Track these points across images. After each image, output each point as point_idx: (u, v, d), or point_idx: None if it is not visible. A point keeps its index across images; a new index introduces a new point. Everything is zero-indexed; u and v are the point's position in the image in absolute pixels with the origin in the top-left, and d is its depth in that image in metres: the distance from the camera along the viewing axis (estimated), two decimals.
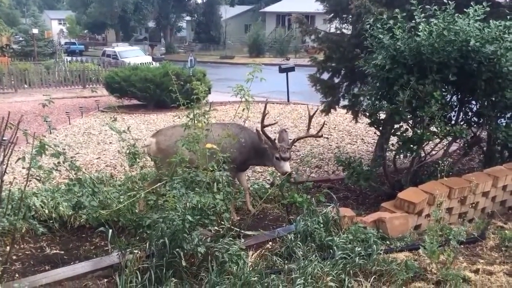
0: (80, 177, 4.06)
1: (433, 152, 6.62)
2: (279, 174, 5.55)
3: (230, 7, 56.83)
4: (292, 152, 5.98)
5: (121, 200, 4.34)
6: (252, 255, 4.03)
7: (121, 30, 57.65)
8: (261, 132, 5.42)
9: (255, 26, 45.03)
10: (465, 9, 5.56)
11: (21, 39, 38.78)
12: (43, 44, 37.06)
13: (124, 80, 16.74)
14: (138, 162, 4.80)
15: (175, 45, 53.25)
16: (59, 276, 3.69)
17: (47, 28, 46.67)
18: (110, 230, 3.72)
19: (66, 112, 14.98)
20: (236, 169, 5.18)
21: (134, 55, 32.28)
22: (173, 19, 55.76)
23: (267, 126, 5.51)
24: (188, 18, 57.56)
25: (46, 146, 3.71)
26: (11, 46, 38.41)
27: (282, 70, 18.31)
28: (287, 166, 5.38)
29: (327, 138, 10.87)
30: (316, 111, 6.24)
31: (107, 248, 4.47)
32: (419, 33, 5.35)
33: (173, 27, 57.07)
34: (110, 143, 11.08)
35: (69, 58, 33.37)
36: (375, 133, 8.78)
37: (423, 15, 5.55)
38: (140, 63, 22.96)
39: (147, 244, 3.71)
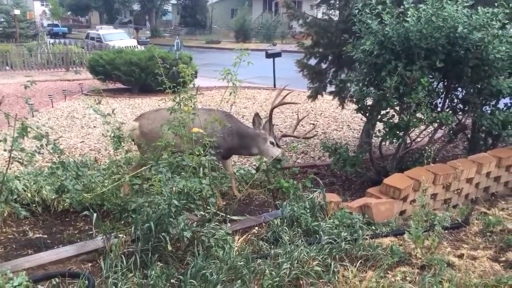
0: (64, 160, 3.99)
1: (418, 139, 6.66)
2: (265, 159, 5.54)
3: None
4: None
5: (106, 184, 4.29)
6: (238, 240, 4.02)
7: (105, 13, 56.79)
8: (259, 115, 5.45)
9: (242, 11, 44.64)
10: None
11: (2, 20, 37.80)
12: (25, 25, 36.21)
13: (109, 63, 16.48)
14: (123, 146, 4.74)
15: (160, 28, 52.55)
16: (42, 260, 3.63)
17: (29, 9, 45.58)
18: (95, 214, 3.66)
19: (49, 95, 14.70)
20: (220, 154, 5.15)
21: (118, 38, 31.85)
22: (159, 2, 54.96)
23: (277, 106, 5.60)
24: (173, 1, 56.78)
25: (29, 129, 3.64)
26: None
27: (268, 55, 18.21)
28: (279, 151, 5.41)
29: (313, 126, 10.87)
30: (304, 117, 6.25)
31: (91, 232, 4.41)
32: (407, 19, 5.33)
33: (159, 11, 56.30)
34: (94, 127, 10.93)
35: (52, 41, 32.71)
36: (361, 119, 8.81)
37: (411, 0, 5.53)
38: (125, 47, 22.64)
39: (132, 228, 3.66)
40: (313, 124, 10.93)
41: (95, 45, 29.63)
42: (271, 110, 5.51)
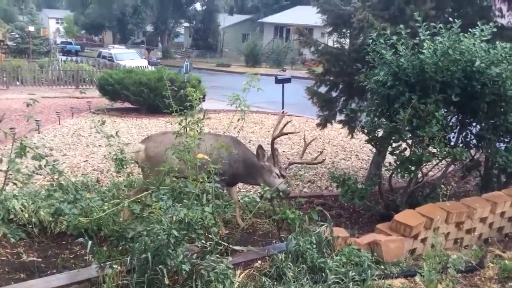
0: (62, 182, 3.84)
1: (430, 173, 6.46)
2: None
3: (229, 16, 56.90)
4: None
5: (105, 208, 4.12)
6: (239, 275, 3.81)
7: (119, 33, 57.54)
8: (262, 147, 5.28)
9: (253, 36, 45.04)
10: (470, 29, 5.44)
11: (17, 36, 38.38)
12: (38, 42, 36.67)
13: (118, 82, 16.45)
14: (126, 168, 4.59)
15: (172, 50, 53.03)
16: None
17: (44, 27, 46.30)
18: (90, 242, 3.48)
19: (57, 112, 14.65)
20: (225, 181, 4.98)
21: (129, 58, 32.08)
22: (171, 24, 55.66)
23: (278, 136, 5.40)
24: (186, 24, 57.51)
25: (28, 148, 3.51)
26: (5, 42, 38.01)
27: (278, 81, 18.15)
28: (282, 182, 5.24)
29: (320, 152, 10.69)
30: (311, 141, 6.10)
31: (87, 257, 4.23)
32: (423, 51, 5.20)
33: (171, 32, 56.96)
34: (99, 146, 10.80)
35: (64, 58, 33.04)
36: (370, 150, 8.62)
37: (427, 32, 5.41)
38: (136, 66, 22.73)
39: (129, 258, 3.47)
40: (320, 152, 10.75)
41: (106, 64, 29.84)
42: (272, 142, 5.35)
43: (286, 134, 5.69)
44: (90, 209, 4.19)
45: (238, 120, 4.36)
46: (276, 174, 5.25)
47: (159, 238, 3.36)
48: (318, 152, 10.54)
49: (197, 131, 4.19)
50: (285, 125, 5.55)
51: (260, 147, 5.34)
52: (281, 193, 5.23)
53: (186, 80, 14.35)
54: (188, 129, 4.20)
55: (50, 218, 4.87)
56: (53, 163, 3.68)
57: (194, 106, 4.30)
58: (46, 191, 3.94)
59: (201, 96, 4.42)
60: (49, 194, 3.76)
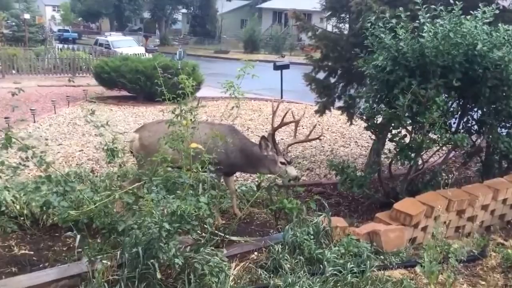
0: (51, 174, 3.72)
1: (430, 160, 6.35)
2: (267, 176, 5.25)
3: (227, 2, 56.30)
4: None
5: (96, 200, 4.01)
6: (235, 267, 3.70)
7: (116, 20, 57.08)
8: (267, 138, 5.13)
9: (251, 22, 44.66)
10: (471, 12, 5.28)
11: (13, 24, 37.95)
12: (34, 30, 36.29)
13: (114, 70, 16.29)
14: (119, 158, 4.46)
15: (169, 37, 52.60)
16: (20, 284, 3.34)
17: (40, 14, 45.85)
18: (78, 236, 3.37)
19: (52, 101, 14.51)
20: (221, 171, 4.85)
21: (127, 45, 31.88)
22: (169, 11, 55.22)
23: (279, 128, 5.26)
24: (184, 10, 57.00)
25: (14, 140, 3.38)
26: (1, 31, 37.62)
27: (276, 67, 18.02)
28: (293, 170, 5.13)
29: (320, 139, 10.57)
30: (300, 118, 5.90)
31: (80, 249, 4.13)
32: (423, 34, 5.05)
33: (169, 19, 56.52)
34: (95, 135, 10.68)
35: (60, 46, 32.74)
36: (369, 136, 8.51)
37: (428, 15, 5.25)
38: (133, 54, 22.53)
39: (118, 253, 3.36)
40: (320, 139, 10.63)
41: (103, 51, 29.60)
42: (273, 134, 5.20)
43: (287, 123, 5.52)
44: (81, 201, 4.08)
45: (232, 108, 4.23)
46: (281, 162, 5.11)
47: (150, 232, 3.24)
48: (317, 139, 10.44)
49: (190, 119, 4.06)
50: (285, 115, 5.39)
51: (263, 137, 5.19)
52: (292, 180, 5.14)
53: (180, 67, 14.18)
54: (181, 117, 4.07)
55: (40, 211, 4.77)
56: (40, 154, 3.55)
57: (187, 94, 4.16)
58: (34, 183, 3.81)
59: (194, 84, 4.27)
60: (37, 186, 3.63)
